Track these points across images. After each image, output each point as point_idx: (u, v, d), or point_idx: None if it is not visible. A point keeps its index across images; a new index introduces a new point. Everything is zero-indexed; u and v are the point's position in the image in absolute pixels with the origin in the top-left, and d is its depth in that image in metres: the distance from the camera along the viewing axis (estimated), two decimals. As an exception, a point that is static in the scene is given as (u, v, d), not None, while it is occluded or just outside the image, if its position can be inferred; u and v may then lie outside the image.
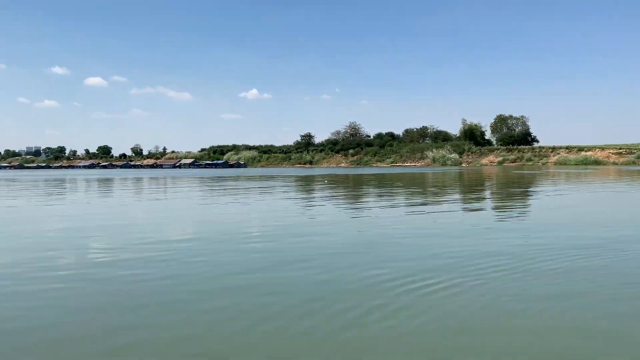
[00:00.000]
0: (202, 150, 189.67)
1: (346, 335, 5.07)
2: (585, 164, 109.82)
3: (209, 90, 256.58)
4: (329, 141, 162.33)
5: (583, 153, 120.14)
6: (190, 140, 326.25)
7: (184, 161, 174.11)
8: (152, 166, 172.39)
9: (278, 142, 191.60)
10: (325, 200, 23.05)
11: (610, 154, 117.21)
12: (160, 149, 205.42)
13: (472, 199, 23.08)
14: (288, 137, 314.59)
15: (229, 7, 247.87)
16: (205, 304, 6.19)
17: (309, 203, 21.64)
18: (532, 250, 9.27)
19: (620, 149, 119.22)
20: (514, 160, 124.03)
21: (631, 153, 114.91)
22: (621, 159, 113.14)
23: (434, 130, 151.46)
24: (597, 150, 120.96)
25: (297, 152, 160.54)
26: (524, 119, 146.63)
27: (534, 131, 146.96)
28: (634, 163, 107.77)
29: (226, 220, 15.07)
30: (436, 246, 9.91)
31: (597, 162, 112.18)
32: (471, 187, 32.46)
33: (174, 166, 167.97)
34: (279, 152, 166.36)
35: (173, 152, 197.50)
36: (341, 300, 6.22)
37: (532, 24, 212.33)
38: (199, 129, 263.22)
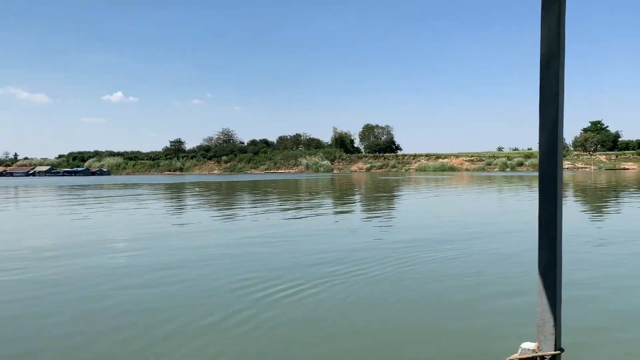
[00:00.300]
0: (60, 156, 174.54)
1: (200, 342, 4.96)
2: (443, 170, 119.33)
3: (69, 92, 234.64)
4: (200, 147, 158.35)
5: (440, 160, 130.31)
6: (47, 146, 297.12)
7: (39, 168, 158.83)
8: (0, 174, 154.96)
9: (145, 148, 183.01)
10: (194, 209, 22.22)
11: (464, 161, 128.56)
12: (11, 156, 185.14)
13: (341, 204, 23.72)
14: (156, 143, 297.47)
15: (92, 5, 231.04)
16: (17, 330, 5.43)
17: (175, 212, 20.68)
18: (385, 252, 9.62)
19: (472, 156, 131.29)
20: (380, 167, 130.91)
21: (481, 160, 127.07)
22: (473, 166, 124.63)
23: (307, 137, 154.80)
24: (453, 157, 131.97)
25: (167, 159, 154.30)
26: (389, 128, 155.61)
27: (397, 140, 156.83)
28: (483, 169, 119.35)
29: (75, 233, 13.77)
30: (294, 252, 9.91)
31: (452, 169, 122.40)
32: (341, 193, 33.44)
33: (27, 174, 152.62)
34: (147, 159, 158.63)
35: (26, 158, 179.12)
36: (197, 309, 6.00)
37: (395, 37, 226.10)
38: (56, 134, 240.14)
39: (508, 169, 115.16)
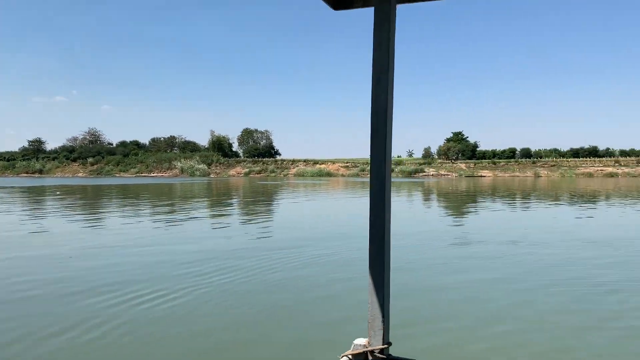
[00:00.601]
0: None
1: (43, 349, 4.79)
2: (320, 176, 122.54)
3: None
4: (63, 148, 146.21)
5: (318, 166, 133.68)
6: None
7: None
8: None
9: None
10: (51, 214, 20.45)
11: (340, 167, 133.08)
12: None
13: (214, 209, 23.27)
14: (12, 143, 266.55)
15: None
16: None
17: (29, 218, 18.87)
18: (249, 259, 9.69)
19: (347, 162, 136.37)
20: (259, 172, 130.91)
21: (355, 166, 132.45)
22: (348, 172, 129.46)
23: (183, 140, 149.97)
24: (329, 163, 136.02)
25: (24, 160, 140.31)
26: (268, 133, 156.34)
27: (277, 145, 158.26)
28: (358, 175, 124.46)
29: None
30: (157, 260, 9.59)
31: (329, 174, 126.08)
32: (216, 198, 32.85)
33: None
34: (1, 159, 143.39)
35: None
36: (43, 317, 5.66)
37: (274, 43, 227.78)
38: None
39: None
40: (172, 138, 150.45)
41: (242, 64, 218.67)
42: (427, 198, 32.57)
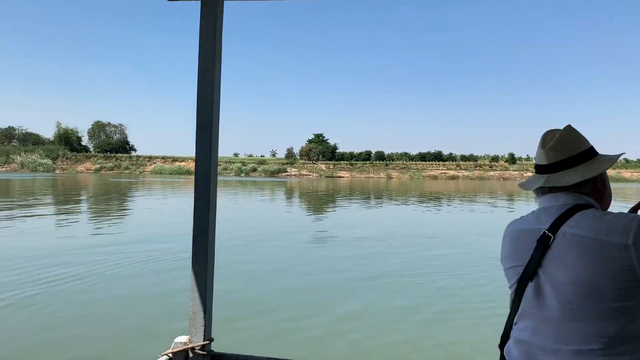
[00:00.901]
0: None
1: None
2: (180, 174, 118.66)
3: None
4: None
5: (177, 163, 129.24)
6: None
7: None
8: None
9: None
10: None
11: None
12: None
13: (50, 207, 21.33)
14: None
15: None
16: None
17: None
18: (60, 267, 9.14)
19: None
20: (112, 168, 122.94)
21: (217, 165, 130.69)
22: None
23: (23, 132, 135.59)
24: (190, 161, 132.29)
25: None
26: (123, 127, 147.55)
27: (132, 140, 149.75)
28: (220, 174, 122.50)
29: None
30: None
31: (189, 172, 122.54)
32: (55, 196, 30.20)
33: None
34: None
35: None
36: None
37: (129, 31, 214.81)
38: None
39: (243, 174, 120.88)
40: (11, 129, 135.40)
41: (95, 51, 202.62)
42: (289, 197, 33.13)
